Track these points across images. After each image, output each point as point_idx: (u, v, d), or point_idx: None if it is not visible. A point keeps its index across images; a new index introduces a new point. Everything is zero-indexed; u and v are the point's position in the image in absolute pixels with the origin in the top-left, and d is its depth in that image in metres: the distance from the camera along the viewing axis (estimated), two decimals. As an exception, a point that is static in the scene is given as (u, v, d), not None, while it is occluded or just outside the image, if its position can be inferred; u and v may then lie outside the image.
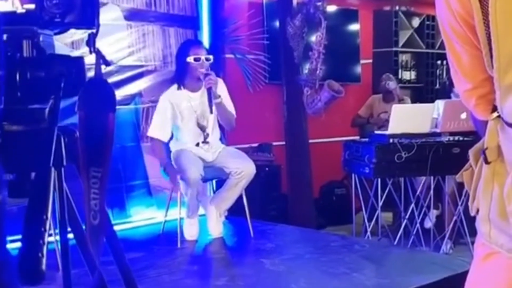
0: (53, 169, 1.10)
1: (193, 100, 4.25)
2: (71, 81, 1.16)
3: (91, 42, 1.19)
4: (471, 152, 1.32)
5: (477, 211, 1.31)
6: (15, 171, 1.18)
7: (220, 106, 4.14)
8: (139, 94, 4.86)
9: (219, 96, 4.12)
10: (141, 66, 4.86)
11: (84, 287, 1.54)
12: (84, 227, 1.26)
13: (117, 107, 4.70)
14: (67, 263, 1.44)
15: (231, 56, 5.48)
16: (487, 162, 1.26)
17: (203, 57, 4.15)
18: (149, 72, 4.91)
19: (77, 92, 1.18)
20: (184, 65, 4.18)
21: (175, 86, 4.26)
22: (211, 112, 4.10)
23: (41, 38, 1.21)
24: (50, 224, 1.11)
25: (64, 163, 1.23)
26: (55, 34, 1.27)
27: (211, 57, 4.22)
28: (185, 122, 4.23)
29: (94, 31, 1.20)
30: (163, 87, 4.40)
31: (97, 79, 1.18)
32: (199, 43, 4.58)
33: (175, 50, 4.72)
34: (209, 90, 4.06)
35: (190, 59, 4.14)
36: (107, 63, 1.21)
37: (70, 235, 1.43)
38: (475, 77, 1.26)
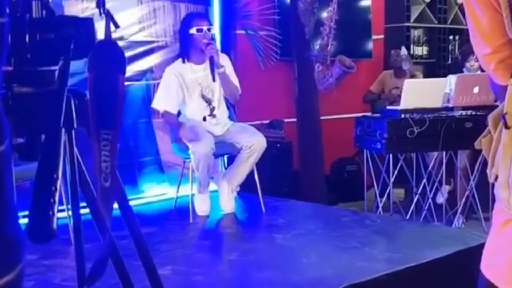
0: (63, 130, 1.10)
1: (197, 72, 4.25)
2: (80, 42, 1.15)
3: (100, 3, 1.18)
4: (490, 118, 1.31)
5: (496, 177, 1.29)
6: (25, 134, 1.18)
7: (223, 77, 4.15)
8: (150, 70, 4.85)
9: (222, 66, 4.12)
10: (152, 42, 4.85)
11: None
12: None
13: (128, 83, 4.74)
14: (79, 235, 1.44)
15: (242, 32, 5.44)
16: (507, 127, 1.25)
17: (205, 28, 4.17)
18: (160, 48, 4.89)
19: (87, 54, 1.18)
20: (187, 37, 4.20)
21: (179, 60, 4.27)
22: (214, 80, 4.09)
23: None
24: (62, 197, 1.10)
25: (75, 125, 1.22)
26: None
27: (213, 27, 4.24)
28: (189, 94, 4.24)
29: (103, -9, 1.19)
30: (173, 62, 4.39)
31: (107, 41, 1.17)
32: (201, 15, 4.59)
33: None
34: (211, 59, 4.07)
35: (193, 30, 4.16)
36: (117, 25, 1.20)
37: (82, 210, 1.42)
38: (494, 41, 1.25)
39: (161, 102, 4.24)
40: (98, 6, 1.19)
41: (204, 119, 4.28)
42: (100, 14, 1.19)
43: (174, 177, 4.70)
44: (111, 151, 1.15)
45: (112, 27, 1.19)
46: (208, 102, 4.29)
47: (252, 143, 4.12)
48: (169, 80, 4.22)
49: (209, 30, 4.21)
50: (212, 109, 4.29)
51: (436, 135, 4.47)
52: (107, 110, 1.15)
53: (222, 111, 4.37)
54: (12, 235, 0.60)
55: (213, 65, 4.08)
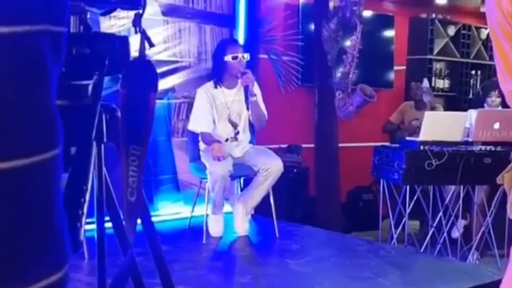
0: (94, 143, 1.11)
1: (227, 97, 4.29)
2: (115, 59, 1.17)
3: (137, 22, 1.20)
4: None
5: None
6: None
7: (255, 104, 4.18)
8: (172, 89, 4.89)
9: (255, 95, 4.16)
10: (176, 61, 4.90)
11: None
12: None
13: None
14: (103, 249, 1.45)
15: (265, 56, 5.48)
16: None
17: (240, 55, 4.20)
18: (183, 68, 4.94)
19: (121, 70, 1.19)
20: (221, 64, 4.23)
21: (211, 83, 4.30)
22: (248, 109, 4.14)
23: (88, 15, 1.22)
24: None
25: (104, 140, 1.24)
26: (101, 14, 1.28)
27: (248, 55, 4.27)
28: (218, 116, 4.26)
29: (140, 11, 1.21)
30: (196, 83, 4.44)
31: (141, 58, 1.19)
32: (235, 41, 4.63)
33: (211, 47, 4.78)
34: (246, 88, 4.11)
35: (228, 58, 4.19)
36: (151, 44, 1.22)
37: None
38: None
39: (197, 123, 4.27)
40: (134, 25, 1.21)
41: (226, 140, 4.30)
42: (136, 32, 1.22)
43: (189, 197, 4.72)
44: (139, 166, 1.16)
45: (146, 45, 1.22)
46: (234, 126, 4.32)
47: (269, 166, 4.13)
48: (203, 100, 4.25)
49: (244, 57, 4.24)
50: (237, 133, 4.33)
51: (455, 168, 4.45)
52: (137, 126, 1.16)
53: (245, 136, 4.40)
54: (60, 236, 0.62)
55: (248, 93, 4.12)
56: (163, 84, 4.80)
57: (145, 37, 1.21)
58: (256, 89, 4.27)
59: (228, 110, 4.29)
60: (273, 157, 4.25)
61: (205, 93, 4.26)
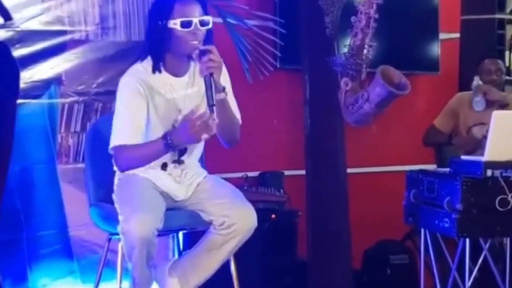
0: None
1: (175, 91, 4.26)
2: None
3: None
4: None
5: None
6: None
7: (222, 106, 4.14)
8: (57, 81, 4.90)
9: (223, 89, 4.12)
10: (62, 32, 4.93)
11: None
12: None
13: (20, 101, 4.75)
14: None
15: (218, 20, 5.49)
16: None
17: (196, 20, 4.15)
18: (75, 43, 4.97)
19: None
20: (163, 33, 4.18)
21: (145, 64, 4.25)
22: (212, 110, 4.03)
23: None
24: None
25: None
26: None
27: (209, 19, 4.22)
28: (154, 124, 4.23)
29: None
30: (99, 69, 4.40)
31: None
32: None
33: (123, 8, 4.76)
34: (208, 79, 4.02)
35: (174, 23, 4.15)
36: (7, 16, 1.21)
37: None
38: None
39: (124, 135, 4.12)
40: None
41: (164, 167, 4.29)
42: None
43: (90, 267, 4.74)
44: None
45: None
46: None
47: (234, 221, 4.11)
48: (132, 95, 4.16)
49: (202, 24, 4.20)
50: (181, 153, 4.30)
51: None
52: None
53: (194, 158, 4.39)
54: None
55: (211, 88, 4.03)
56: (42, 72, 4.80)
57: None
58: (224, 77, 4.21)
59: (178, 112, 4.26)
60: (241, 203, 4.21)
61: (137, 83, 4.18)
